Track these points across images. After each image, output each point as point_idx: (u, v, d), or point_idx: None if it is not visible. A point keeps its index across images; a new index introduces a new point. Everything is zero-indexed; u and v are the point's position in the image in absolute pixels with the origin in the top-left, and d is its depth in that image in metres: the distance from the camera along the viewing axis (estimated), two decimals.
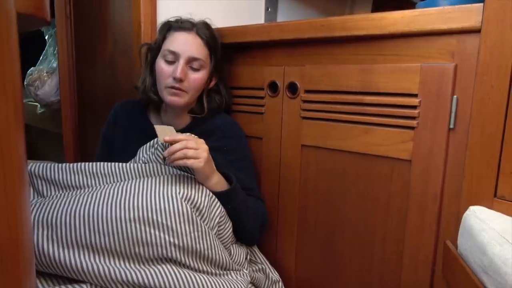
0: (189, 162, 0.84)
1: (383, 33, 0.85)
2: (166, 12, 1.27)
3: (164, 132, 0.90)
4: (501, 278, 0.57)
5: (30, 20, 0.41)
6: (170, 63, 1.01)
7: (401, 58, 0.86)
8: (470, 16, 0.74)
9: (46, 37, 2.10)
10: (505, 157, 0.70)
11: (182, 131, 1.03)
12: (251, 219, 0.99)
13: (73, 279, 0.76)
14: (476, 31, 0.73)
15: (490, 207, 0.72)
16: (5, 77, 0.32)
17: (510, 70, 0.68)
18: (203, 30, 1.04)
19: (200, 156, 0.85)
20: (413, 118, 0.84)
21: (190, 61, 1.01)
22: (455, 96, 0.78)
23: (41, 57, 2.12)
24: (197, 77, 1.03)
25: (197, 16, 1.08)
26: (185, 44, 1.01)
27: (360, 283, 0.97)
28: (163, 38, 1.04)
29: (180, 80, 0.99)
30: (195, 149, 0.85)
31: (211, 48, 1.05)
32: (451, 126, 0.79)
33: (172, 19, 1.07)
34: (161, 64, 1.02)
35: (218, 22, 1.11)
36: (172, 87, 1.00)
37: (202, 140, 0.90)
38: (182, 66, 0.99)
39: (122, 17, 1.36)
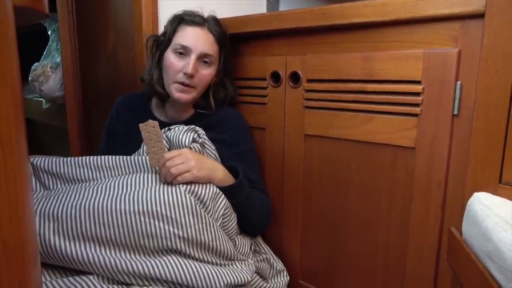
0: (185, 177, 0.84)
1: (384, 20, 0.84)
2: (167, 4, 1.26)
3: (149, 136, 0.87)
4: (506, 264, 0.57)
5: (28, 13, 0.41)
6: (180, 57, 1.00)
7: (404, 44, 0.85)
8: None
9: (49, 32, 2.11)
10: (510, 142, 0.69)
11: (185, 123, 1.03)
12: (255, 213, 1.00)
13: (80, 270, 0.77)
14: (480, 15, 0.72)
15: (494, 193, 0.72)
16: (3, 71, 0.32)
17: None
18: (214, 27, 1.04)
19: (189, 167, 0.85)
20: (416, 105, 0.83)
21: (201, 57, 1.01)
22: (459, 82, 0.77)
23: (44, 53, 2.12)
24: (207, 73, 1.03)
25: (199, 6, 1.07)
26: (198, 40, 1.00)
27: (364, 271, 0.98)
28: (173, 31, 1.03)
29: (191, 76, 0.99)
30: (182, 163, 0.85)
31: (221, 45, 1.05)
32: (455, 113, 0.78)
33: (181, 12, 1.06)
34: (171, 58, 1.01)
35: (220, 13, 1.11)
36: (182, 83, 1.00)
37: (184, 150, 0.89)
38: (194, 62, 0.99)
39: (124, 9, 1.35)
